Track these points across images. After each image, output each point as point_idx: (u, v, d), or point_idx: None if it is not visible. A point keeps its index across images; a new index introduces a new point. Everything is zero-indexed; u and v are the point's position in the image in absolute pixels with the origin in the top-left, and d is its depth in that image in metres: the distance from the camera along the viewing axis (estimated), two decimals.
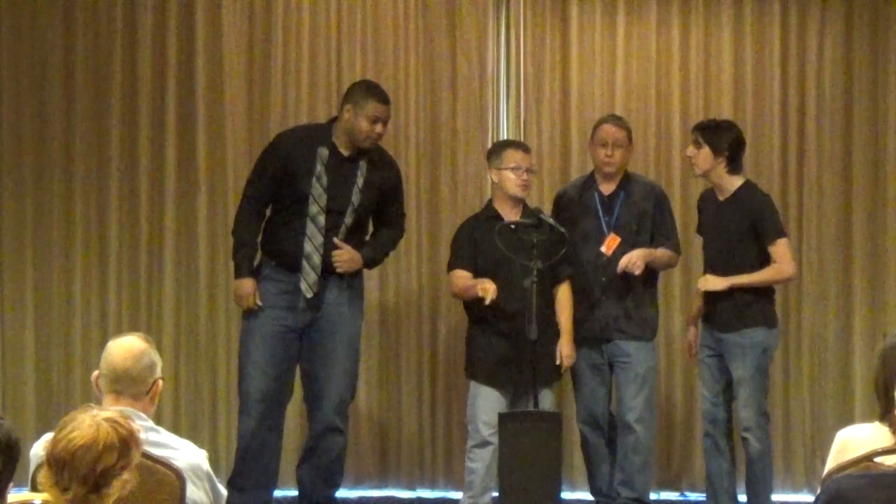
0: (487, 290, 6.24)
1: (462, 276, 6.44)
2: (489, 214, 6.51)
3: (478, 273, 6.41)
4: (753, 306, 6.43)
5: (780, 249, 6.46)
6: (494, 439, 6.30)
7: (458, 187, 7.46)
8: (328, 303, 6.43)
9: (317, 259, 6.37)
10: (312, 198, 6.36)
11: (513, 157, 6.46)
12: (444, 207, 7.44)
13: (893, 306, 7.40)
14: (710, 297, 6.55)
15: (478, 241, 6.44)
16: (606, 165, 6.57)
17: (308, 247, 6.36)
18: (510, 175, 6.43)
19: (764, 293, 6.47)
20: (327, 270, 6.39)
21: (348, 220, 6.40)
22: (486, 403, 6.36)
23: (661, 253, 6.57)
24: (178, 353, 7.36)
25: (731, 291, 6.42)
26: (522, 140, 7.29)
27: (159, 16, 7.35)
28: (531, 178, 6.54)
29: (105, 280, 7.35)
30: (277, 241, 6.46)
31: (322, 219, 6.37)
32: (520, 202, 6.49)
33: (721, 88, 7.48)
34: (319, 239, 6.37)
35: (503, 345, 6.35)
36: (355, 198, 6.41)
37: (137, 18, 7.32)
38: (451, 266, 6.53)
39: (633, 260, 6.41)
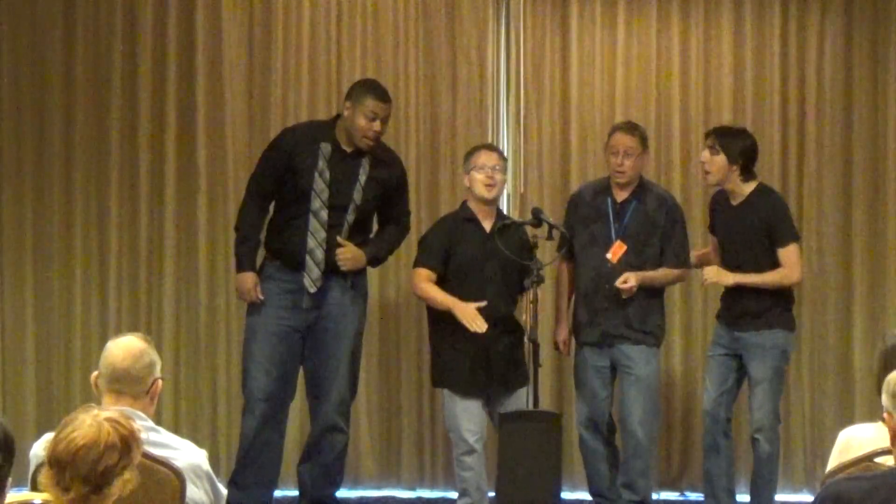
0: (475, 321, 6.17)
1: (433, 288, 6.32)
2: (465, 216, 6.43)
3: (450, 274, 6.35)
4: (774, 309, 6.44)
5: (791, 255, 6.45)
6: (479, 445, 6.29)
7: (458, 187, 7.45)
8: (331, 302, 6.44)
9: (320, 254, 6.37)
10: (315, 193, 6.36)
11: (478, 157, 6.40)
12: (444, 207, 7.42)
13: (893, 307, 7.40)
14: (731, 297, 6.54)
15: (452, 242, 6.39)
16: (618, 175, 6.54)
17: (311, 242, 6.37)
18: (477, 175, 6.36)
19: (784, 297, 6.47)
20: (331, 269, 6.39)
21: (350, 217, 6.41)
22: (466, 412, 6.30)
23: (663, 274, 6.54)
24: (178, 353, 7.36)
25: (752, 293, 6.42)
26: (522, 140, 7.30)
27: (159, 16, 7.35)
28: (500, 179, 6.41)
29: (105, 280, 7.35)
30: (281, 239, 6.47)
31: (325, 214, 6.37)
32: (492, 205, 6.44)
33: (721, 88, 7.48)
34: (322, 234, 6.37)
35: (476, 350, 6.26)
36: (357, 195, 6.41)
37: (137, 18, 7.32)
38: (419, 263, 6.42)
39: (625, 280, 6.38)
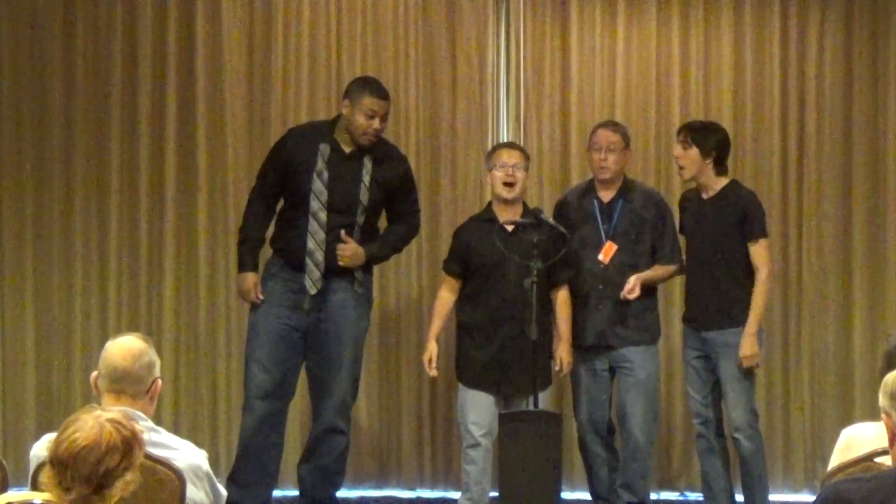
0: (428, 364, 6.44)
1: (437, 314, 6.52)
2: (486, 216, 6.51)
3: (471, 275, 6.42)
4: (738, 306, 6.44)
5: (761, 251, 6.46)
6: (485, 440, 6.32)
7: (458, 187, 7.47)
8: (333, 305, 6.43)
9: (319, 256, 6.37)
10: (313, 194, 6.36)
11: (499, 156, 6.46)
12: (444, 207, 7.44)
13: (893, 306, 7.40)
14: (693, 298, 6.56)
15: (472, 244, 6.44)
16: (601, 171, 6.56)
17: (310, 243, 6.37)
18: (497, 174, 6.42)
19: (747, 292, 6.46)
20: (332, 271, 6.39)
21: (360, 219, 6.41)
22: (474, 405, 6.37)
23: (660, 272, 6.56)
24: (178, 353, 7.36)
25: (715, 292, 6.43)
26: (522, 140, 7.30)
27: (159, 16, 7.35)
28: (520, 177, 6.44)
29: (105, 280, 7.35)
30: (284, 240, 6.48)
31: (323, 216, 6.37)
32: (515, 203, 6.44)
33: (721, 88, 7.48)
34: (321, 236, 6.37)
35: (492, 349, 6.35)
36: (363, 197, 6.42)
37: (137, 18, 7.33)
38: (444, 268, 6.59)
39: (631, 288, 6.41)
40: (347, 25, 7.45)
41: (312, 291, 6.37)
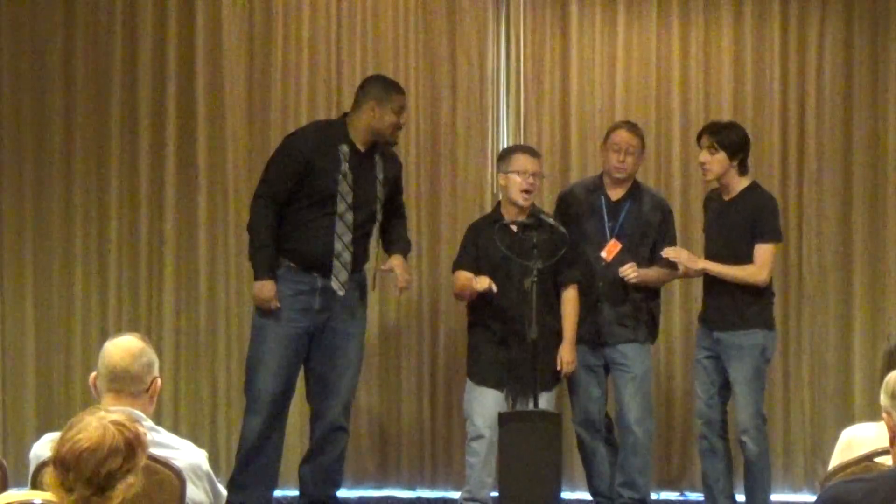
0: (482, 281, 6.28)
1: (461, 276, 6.47)
2: (494, 218, 6.52)
3: (481, 273, 6.43)
4: (752, 308, 6.43)
5: (765, 253, 6.44)
6: (489, 433, 6.32)
7: (458, 187, 7.46)
8: (341, 302, 6.43)
9: (347, 256, 6.37)
10: (340, 196, 6.35)
11: (520, 161, 6.44)
12: (445, 207, 7.44)
13: (893, 307, 7.40)
14: (709, 298, 6.56)
15: (480, 244, 6.47)
16: (618, 171, 6.56)
17: (338, 245, 6.36)
18: (516, 178, 6.42)
19: (761, 295, 6.46)
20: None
21: (380, 216, 6.46)
22: (481, 399, 6.41)
23: (656, 273, 6.56)
24: (178, 353, 7.36)
25: (728, 293, 6.42)
26: (522, 140, 7.30)
27: (159, 15, 7.35)
28: (538, 184, 6.50)
29: (105, 280, 7.35)
30: (301, 242, 6.40)
31: (350, 217, 6.37)
32: (524, 208, 6.46)
33: (721, 88, 7.48)
34: (349, 237, 6.37)
35: (499, 347, 6.38)
36: (381, 193, 6.45)
37: (137, 18, 7.33)
38: (456, 266, 6.58)
39: (631, 270, 6.41)
40: (347, 25, 7.45)
41: (341, 293, 6.37)
